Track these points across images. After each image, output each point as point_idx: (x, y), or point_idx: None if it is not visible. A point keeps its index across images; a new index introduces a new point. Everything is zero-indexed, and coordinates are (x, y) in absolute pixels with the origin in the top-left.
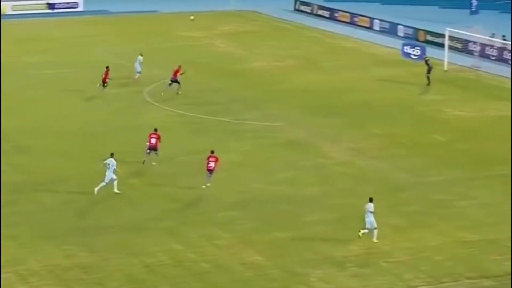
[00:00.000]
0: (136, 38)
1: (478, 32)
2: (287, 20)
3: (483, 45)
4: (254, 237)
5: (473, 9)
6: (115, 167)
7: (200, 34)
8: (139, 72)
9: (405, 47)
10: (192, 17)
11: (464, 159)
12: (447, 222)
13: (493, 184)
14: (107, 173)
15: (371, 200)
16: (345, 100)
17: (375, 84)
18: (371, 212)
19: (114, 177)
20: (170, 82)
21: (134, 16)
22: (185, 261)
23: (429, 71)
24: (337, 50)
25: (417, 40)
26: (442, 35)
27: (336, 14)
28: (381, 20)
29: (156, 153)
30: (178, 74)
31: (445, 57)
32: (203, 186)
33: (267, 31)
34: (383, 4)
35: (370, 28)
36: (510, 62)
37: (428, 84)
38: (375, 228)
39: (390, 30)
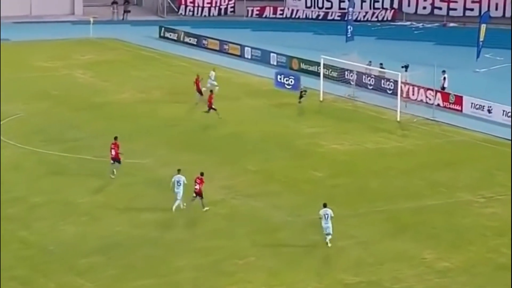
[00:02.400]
0: None
1: (354, 60)
2: (152, 48)
3: (360, 74)
4: (119, 285)
5: (349, 35)
6: (185, 182)
7: (57, 64)
8: (217, 85)
9: (279, 76)
10: None
11: (343, 196)
12: (326, 264)
13: (373, 221)
14: (177, 190)
15: (325, 205)
16: (217, 134)
17: (247, 116)
18: (332, 217)
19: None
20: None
21: None
22: None
23: (301, 96)
24: (206, 80)
25: (291, 68)
26: (317, 63)
27: (205, 42)
28: (252, 48)
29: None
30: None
31: (320, 87)
32: (206, 208)
33: (130, 60)
34: (254, 30)
35: (241, 56)
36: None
37: (300, 102)
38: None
39: (262, 58)
